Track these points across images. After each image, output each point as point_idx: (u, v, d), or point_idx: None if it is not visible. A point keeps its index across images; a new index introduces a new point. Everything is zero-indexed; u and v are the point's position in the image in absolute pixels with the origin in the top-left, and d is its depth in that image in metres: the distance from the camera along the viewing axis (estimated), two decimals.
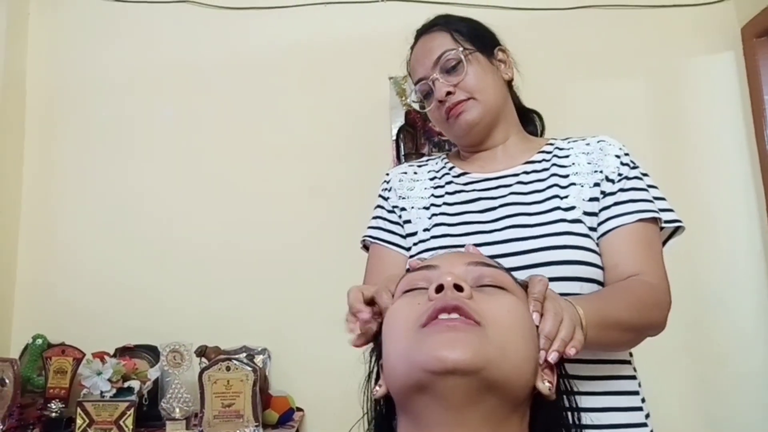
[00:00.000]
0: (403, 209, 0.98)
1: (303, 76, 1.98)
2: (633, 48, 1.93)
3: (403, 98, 1.89)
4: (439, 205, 0.94)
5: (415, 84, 0.98)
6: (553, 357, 0.55)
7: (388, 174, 1.05)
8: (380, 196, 1.04)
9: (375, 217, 1.02)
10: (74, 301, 1.87)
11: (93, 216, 1.94)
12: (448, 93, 0.92)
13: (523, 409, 0.55)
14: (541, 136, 1.05)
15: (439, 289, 0.54)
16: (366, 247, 1.03)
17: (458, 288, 0.54)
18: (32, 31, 2.04)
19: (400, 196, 0.99)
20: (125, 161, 1.97)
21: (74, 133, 2.00)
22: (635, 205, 0.85)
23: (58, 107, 2.01)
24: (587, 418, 0.77)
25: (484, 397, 0.50)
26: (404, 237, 0.97)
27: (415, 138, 1.87)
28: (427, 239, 0.90)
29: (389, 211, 1.00)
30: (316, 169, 1.93)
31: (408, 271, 0.66)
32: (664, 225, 0.87)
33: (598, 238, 0.85)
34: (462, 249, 0.69)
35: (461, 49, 0.93)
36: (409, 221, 0.96)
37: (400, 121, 1.90)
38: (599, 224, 0.86)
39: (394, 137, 1.89)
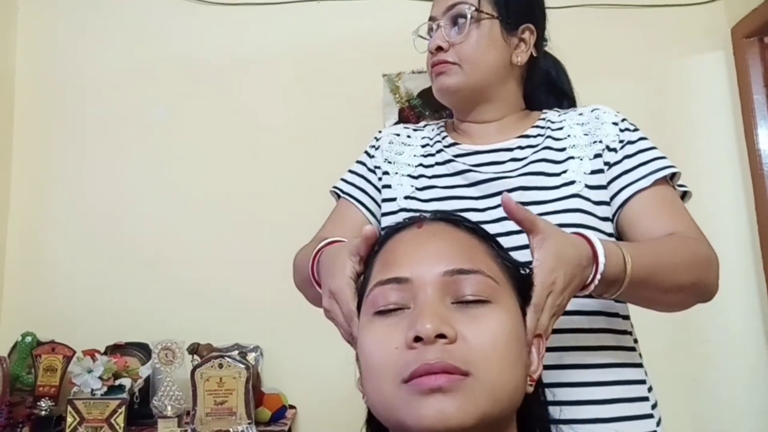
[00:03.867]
0: (385, 173, 0.92)
1: (296, 73, 1.97)
2: (624, 47, 1.94)
3: (397, 95, 1.89)
4: (429, 177, 0.88)
5: (429, 18, 0.89)
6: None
7: (380, 132, 0.99)
8: (365, 152, 0.98)
9: (353, 172, 0.97)
10: (64, 299, 1.86)
11: (83, 213, 1.92)
12: (439, 48, 0.85)
13: (513, 417, 0.55)
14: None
15: (419, 337, 0.50)
16: (338, 196, 0.98)
17: (440, 334, 0.50)
18: (21, 27, 2.03)
19: (385, 159, 0.93)
20: (117, 159, 1.95)
21: (65, 130, 1.98)
22: (647, 168, 0.80)
23: (48, 105, 1.99)
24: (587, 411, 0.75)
25: None
26: (378, 202, 0.92)
27: None
28: (416, 211, 0.84)
29: (370, 170, 0.95)
30: (309, 167, 1.92)
31: (376, 241, 0.62)
32: (676, 187, 0.82)
33: (615, 212, 0.80)
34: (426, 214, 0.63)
35: (474, 9, 0.84)
36: (389, 186, 0.91)
37: (394, 118, 1.89)
38: (612, 197, 0.80)
39: None
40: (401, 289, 0.54)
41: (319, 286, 0.72)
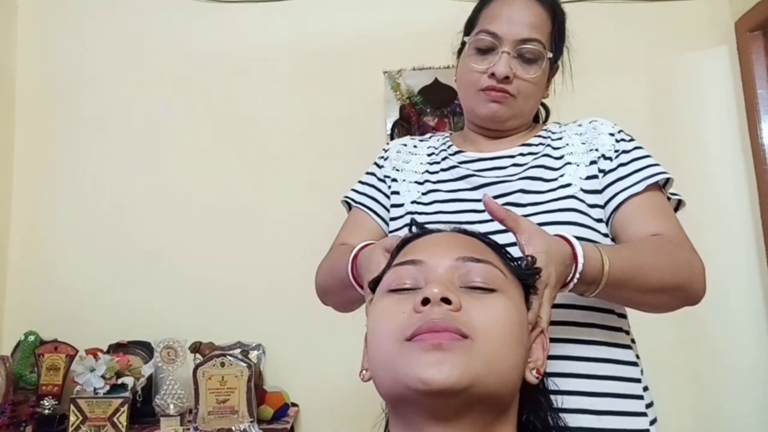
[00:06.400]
0: (394, 180, 0.98)
1: (297, 70, 1.97)
2: (627, 42, 1.93)
3: (398, 92, 1.88)
4: (433, 182, 0.94)
5: (481, 31, 0.89)
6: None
7: (388, 144, 1.06)
8: (375, 163, 1.04)
9: (363, 182, 1.02)
10: (67, 298, 1.86)
11: (85, 212, 1.92)
12: (506, 78, 0.86)
13: (511, 406, 0.56)
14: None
15: (426, 300, 0.53)
16: (348, 205, 1.03)
17: (445, 300, 0.52)
18: (21, 26, 2.02)
19: (394, 167, 0.99)
20: (119, 158, 1.95)
21: (67, 129, 1.98)
22: (640, 174, 0.84)
23: (50, 103, 1.99)
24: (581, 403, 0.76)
25: (472, 408, 0.51)
26: (388, 209, 0.97)
27: (410, 132, 1.86)
28: (421, 214, 0.90)
29: (380, 180, 1.01)
30: (311, 164, 1.92)
31: (394, 252, 0.65)
32: (669, 196, 0.87)
33: (609, 216, 0.85)
34: (444, 227, 0.67)
35: (550, 55, 0.89)
36: (397, 192, 0.96)
37: (395, 115, 1.89)
38: (607, 202, 0.85)
39: (389, 132, 1.88)
40: (415, 270, 0.58)
41: (360, 287, 0.77)
